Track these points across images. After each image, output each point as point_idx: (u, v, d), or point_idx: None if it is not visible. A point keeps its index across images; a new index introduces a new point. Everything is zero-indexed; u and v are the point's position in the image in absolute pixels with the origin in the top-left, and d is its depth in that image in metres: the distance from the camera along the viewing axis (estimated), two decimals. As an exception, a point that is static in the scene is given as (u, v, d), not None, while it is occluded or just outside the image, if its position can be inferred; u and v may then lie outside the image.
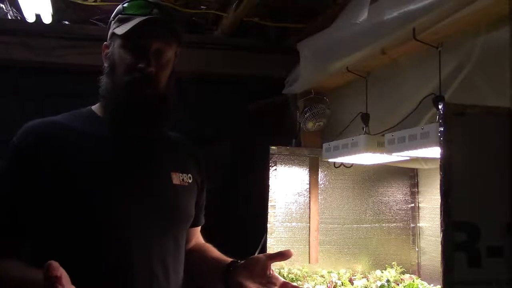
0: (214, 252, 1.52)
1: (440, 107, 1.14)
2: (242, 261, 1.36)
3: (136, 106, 1.31)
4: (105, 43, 1.39)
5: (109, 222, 1.25)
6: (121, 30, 1.32)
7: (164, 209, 1.35)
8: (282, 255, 1.31)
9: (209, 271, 1.45)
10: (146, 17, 1.30)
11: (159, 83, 1.33)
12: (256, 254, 2.63)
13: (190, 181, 1.44)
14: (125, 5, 1.36)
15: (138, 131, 1.34)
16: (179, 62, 1.42)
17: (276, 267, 2.57)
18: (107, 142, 1.33)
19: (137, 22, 1.29)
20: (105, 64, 1.38)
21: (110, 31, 1.37)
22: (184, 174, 1.43)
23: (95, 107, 1.41)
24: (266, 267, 1.31)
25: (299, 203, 2.67)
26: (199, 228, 1.59)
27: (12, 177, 1.27)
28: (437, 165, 1.68)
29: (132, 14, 1.32)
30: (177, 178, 1.40)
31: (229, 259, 1.42)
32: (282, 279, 1.32)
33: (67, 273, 1.05)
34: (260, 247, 2.64)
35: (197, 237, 1.59)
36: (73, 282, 1.09)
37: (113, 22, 1.37)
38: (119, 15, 1.35)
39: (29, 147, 1.28)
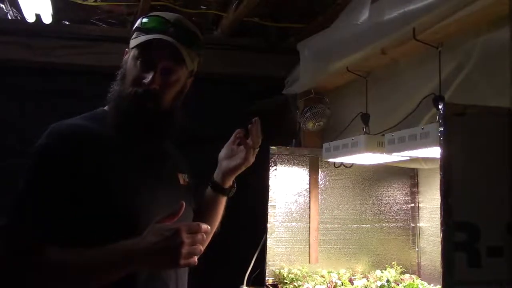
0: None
1: (440, 107, 1.14)
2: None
3: (137, 120, 1.33)
4: (126, 49, 1.42)
5: (135, 224, 1.26)
6: (134, 42, 1.36)
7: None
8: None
9: (213, 206, 1.62)
10: (157, 36, 1.33)
11: (162, 101, 1.35)
12: (256, 254, 2.64)
13: (188, 180, 1.52)
14: (145, 18, 1.39)
15: (139, 143, 1.37)
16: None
17: (276, 268, 2.57)
18: (123, 143, 1.35)
19: (147, 39, 1.32)
20: (119, 70, 1.41)
21: (130, 39, 1.41)
22: (184, 175, 1.51)
23: (107, 108, 1.43)
24: (232, 148, 1.61)
25: (299, 203, 2.67)
26: None
27: (49, 179, 1.25)
28: (437, 165, 1.68)
29: (149, 28, 1.36)
30: (182, 179, 1.48)
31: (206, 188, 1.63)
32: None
33: None
34: (260, 247, 2.64)
35: None
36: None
37: (134, 32, 1.40)
38: (139, 27, 1.39)
39: (65, 150, 1.27)
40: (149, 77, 1.32)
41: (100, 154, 1.29)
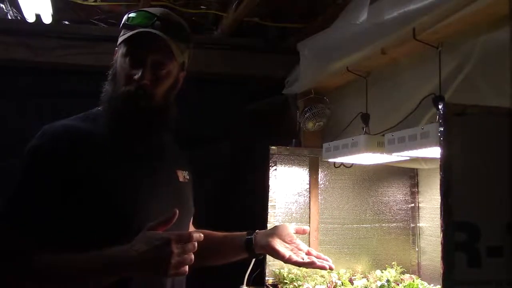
0: (217, 232, 1.60)
1: (440, 107, 1.14)
2: (264, 230, 1.56)
3: (131, 119, 1.32)
4: (116, 48, 1.41)
5: (132, 223, 1.26)
6: (120, 39, 1.36)
7: (176, 206, 1.36)
8: (303, 230, 1.57)
9: (225, 247, 1.57)
10: (143, 29, 1.31)
11: (155, 96, 1.33)
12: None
13: (188, 177, 1.50)
14: (131, 14, 1.38)
15: (134, 141, 1.36)
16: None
17: (276, 267, 2.57)
18: (119, 142, 1.34)
19: (132, 33, 1.31)
20: (110, 70, 1.39)
21: (119, 37, 1.39)
22: (185, 172, 1.49)
23: (102, 109, 1.41)
24: (292, 235, 1.52)
25: (299, 203, 2.67)
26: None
27: (41, 181, 1.24)
28: (437, 165, 1.68)
29: (136, 24, 1.34)
30: (181, 176, 1.46)
31: (241, 232, 1.56)
32: (307, 247, 1.52)
33: None
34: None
35: (191, 226, 1.62)
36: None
37: (121, 29, 1.39)
38: (125, 24, 1.37)
39: (56, 151, 1.26)
40: (138, 73, 1.30)
41: (93, 154, 1.28)
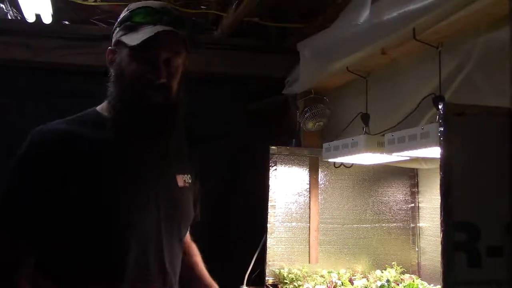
0: (198, 266, 1.62)
1: (440, 107, 1.14)
2: None
3: (147, 116, 1.27)
4: (109, 48, 1.33)
5: (126, 229, 1.25)
6: (130, 40, 1.26)
7: (174, 213, 1.36)
8: None
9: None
10: (157, 28, 1.25)
11: (170, 92, 1.29)
12: (256, 254, 2.63)
13: (190, 181, 1.45)
14: (131, 12, 1.30)
15: (148, 140, 1.31)
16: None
17: (276, 268, 2.57)
18: (117, 146, 1.29)
19: (150, 34, 1.23)
20: (112, 71, 1.32)
21: (116, 37, 1.31)
22: (186, 176, 1.43)
23: (100, 108, 1.36)
24: None
25: (299, 203, 2.67)
26: None
27: (28, 188, 1.22)
28: (437, 165, 1.68)
29: (140, 22, 1.27)
30: (181, 181, 1.41)
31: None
32: None
33: (82, 278, 1.16)
34: (260, 247, 2.64)
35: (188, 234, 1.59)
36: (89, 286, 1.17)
37: (118, 28, 1.31)
38: (126, 23, 1.29)
39: (45, 156, 1.24)
40: (154, 72, 1.26)
41: (84, 161, 1.24)
